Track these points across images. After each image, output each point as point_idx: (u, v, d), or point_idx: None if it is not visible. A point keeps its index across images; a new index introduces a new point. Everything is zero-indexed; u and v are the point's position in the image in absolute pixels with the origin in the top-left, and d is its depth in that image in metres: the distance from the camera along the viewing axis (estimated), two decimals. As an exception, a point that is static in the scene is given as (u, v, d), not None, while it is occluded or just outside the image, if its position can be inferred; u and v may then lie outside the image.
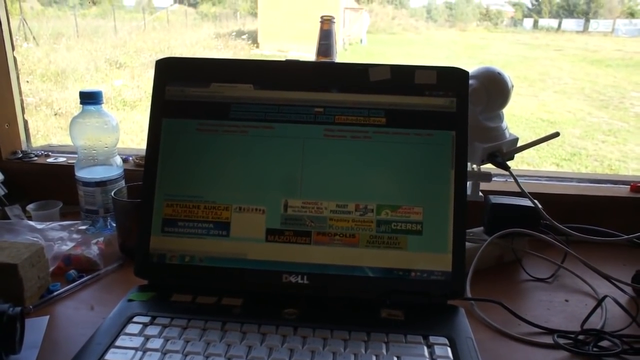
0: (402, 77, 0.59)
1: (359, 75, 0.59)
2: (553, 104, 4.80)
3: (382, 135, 0.58)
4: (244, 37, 6.91)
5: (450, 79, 0.59)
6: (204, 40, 6.50)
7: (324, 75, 0.60)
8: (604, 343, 0.54)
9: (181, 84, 0.60)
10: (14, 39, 0.91)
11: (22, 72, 0.94)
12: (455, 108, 0.58)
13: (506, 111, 0.75)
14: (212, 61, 0.62)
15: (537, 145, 0.73)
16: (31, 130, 0.99)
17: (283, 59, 0.62)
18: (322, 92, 0.60)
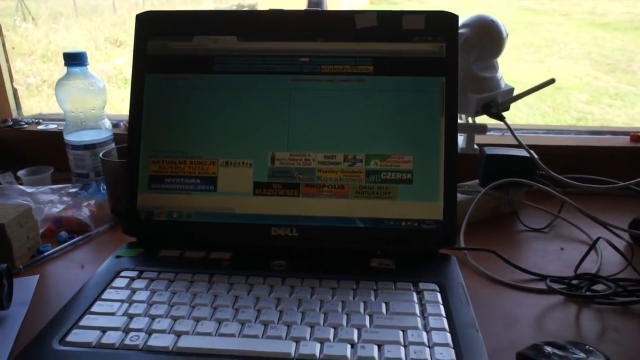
0: (389, 23, 0.57)
1: (345, 23, 0.58)
2: (559, 70, 4.71)
3: (370, 84, 0.57)
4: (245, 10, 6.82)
5: (439, 24, 0.57)
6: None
7: (309, 24, 0.58)
8: (599, 287, 0.53)
9: (163, 39, 0.59)
10: (13, 19, 0.90)
11: (22, 53, 0.93)
12: (444, 53, 0.57)
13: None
14: (194, 13, 0.61)
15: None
16: (33, 112, 0.98)
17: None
18: (308, 41, 0.58)
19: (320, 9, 0.76)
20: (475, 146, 0.74)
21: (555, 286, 0.52)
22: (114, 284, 0.50)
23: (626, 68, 4.79)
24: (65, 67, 0.74)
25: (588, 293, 0.52)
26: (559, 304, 0.52)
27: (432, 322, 0.44)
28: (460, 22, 0.59)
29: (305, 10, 0.70)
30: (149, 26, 0.59)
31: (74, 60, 0.73)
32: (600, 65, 4.84)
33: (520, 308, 0.51)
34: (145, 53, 0.59)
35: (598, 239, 0.59)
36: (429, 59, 0.57)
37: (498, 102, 0.71)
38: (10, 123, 0.91)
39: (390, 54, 0.57)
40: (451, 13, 0.57)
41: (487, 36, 0.69)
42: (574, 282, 0.54)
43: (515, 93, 0.72)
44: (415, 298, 0.48)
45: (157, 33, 0.59)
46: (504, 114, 0.71)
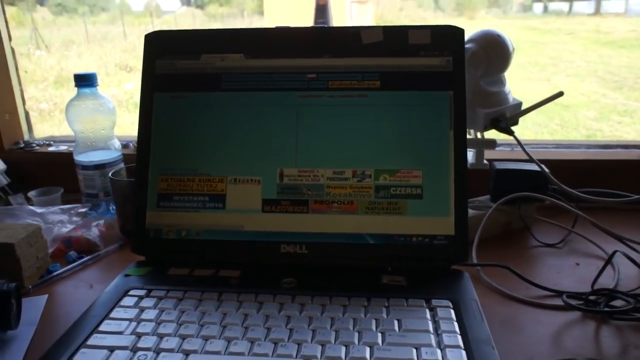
0: (396, 38, 0.57)
1: (351, 39, 0.58)
2: (566, 88, 4.70)
3: (377, 99, 0.57)
4: (252, 35, 6.91)
5: (445, 38, 0.57)
6: (212, 41, 6.51)
7: (316, 40, 0.59)
8: (617, 303, 0.52)
9: (171, 57, 0.60)
10: (28, 47, 0.92)
11: (35, 80, 0.94)
12: (451, 67, 0.57)
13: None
14: (202, 32, 0.61)
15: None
16: (45, 135, 0.99)
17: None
18: (315, 57, 0.58)
19: (326, 26, 0.77)
20: (485, 161, 0.74)
21: (572, 302, 0.51)
22: (122, 303, 0.49)
23: (634, 85, 4.78)
24: (76, 89, 0.75)
25: (606, 309, 0.51)
26: (577, 321, 0.50)
27: (446, 339, 0.43)
28: (465, 38, 0.59)
29: (311, 27, 0.71)
30: (158, 46, 0.60)
31: (84, 81, 0.74)
32: (607, 83, 4.83)
33: (537, 325, 0.50)
34: (153, 72, 0.59)
35: (615, 252, 0.58)
36: (436, 73, 0.57)
37: (506, 116, 0.71)
38: (22, 145, 0.92)
39: (397, 68, 0.57)
40: (457, 27, 0.57)
41: (494, 51, 0.69)
42: (591, 297, 0.53)
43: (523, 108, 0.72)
44: (428, 315, 0.47)
45: (165, 52, 0.60)
46: (513, 128, 0.70)
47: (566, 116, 3.73)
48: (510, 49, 0.70)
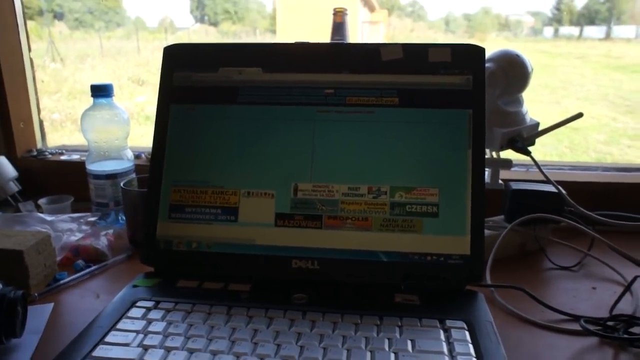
0: (415, 55, 0.57)
1: (371, 55, 0.58)
2: (576, 111, 4.69)
3: (396, 116, 0.56)
4: (264, 53, 6.97)
5: (465, 57, 0.57)
6: (224, 57, 6.57)
7: (335, 56, 0.59)
8: (636, 330, 0.50)
9: (189, 70, 0.60)
10: (43, 59, 0.93)
11: (49, 91, 0.95)
12: (471, 86, 0.56)
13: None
14: (220, 46, 0.61)
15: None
16: (55, 144, 0.99)
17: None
18: (333, 73, 0.58)
19: (345, 42, 0.77)
20: (500, 181, 0.73)
21: (590, 327, 0.50)
22: (129, 314, 0.48)
23: (645, 109, 4.76)
24: (92, 99, 0.75)
25: (625, 336, 0.49)
26: (594, 347, 0.49)
27: (462, 361, 0.42)
28: (484, 57, 0.58)
29: (330, 43, 0.71)
30: (176, 58, 0.60)
31: (101, 92, 0.74)
32: (618, 107, 4.82)
33: (553, 350, 0.48)
34: (171, 84, 0.59)
35: (636, 278, 0.56)
36: (455, 92, 0.56)
37: (523, 136, 0.70)
38: (35, 153, 0.92)
39: (415, 86, 0.57)
40: (478, 46, 0.57)
41: (513, 70, 0.69)
42: (610, 323, 0.51)
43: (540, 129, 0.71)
44: (442, 336, 0.45)
45: (183, 65, 0.60)
46: (530, 149, 0.70)
47: (576, 139, 3.71)
48: (529, 69, 0.70)
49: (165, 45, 0.60)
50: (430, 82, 0.57)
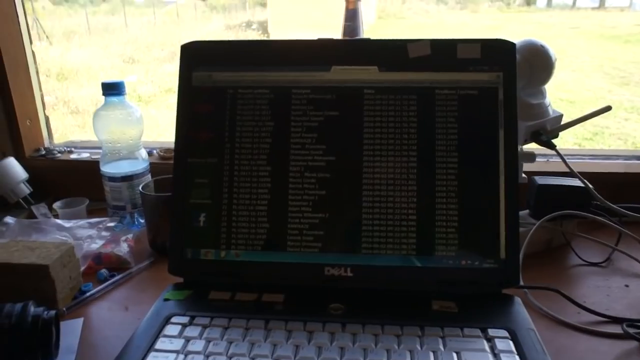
0: (444, 52, 0.55)
1: (397, 52, 0.55)
2: (571, 83, 4.67)
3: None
4: (254, 27, 6.86)
5: (495, 52, 0.55)
6: (214, 33, 6.46)
7: (359, 53, 0.56)
8: (676, 331, 0.50)
9: (209, 69, 0.57)
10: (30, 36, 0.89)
11: (39, 72, 0.91)
12: (501, 83, 0.54)
13: None
14: (241, 43, 0.59)
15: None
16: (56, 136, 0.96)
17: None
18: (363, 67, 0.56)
19: (368, 38, 0.74)
20: (523, 175, 0.72)
21: (631, 331, 0.49)
22: (165, 332, 0.47)
23: (640, 80, 4.75)
24: (103, 97, 0.72)
25: (668, 339, 0.49)
26: (636, 351, 0.48)
27: (511, 375, 0.41)
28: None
29: (355, 39, 0.69)
30: (194, 57, 0.57)
31: (112, 90, 0.71)
32: (613, 79, 4.80)
33: (596, 355, 0.48)
34: (190, 84, 0.57)
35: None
36: (485, 89, 0.54)
37: (547, 129, 0.69)
38: (43, 152, 0.89)
39: (444, 83, 0.55)
40: (508, 41, 0.55)
41: (537, 62, 0.67)
42: (650, 325, 0.51)
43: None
44: (486, 347, 0.45)
45: (202, 63, 0.57)
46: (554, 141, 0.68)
47: (572, 112, 3.71)
48: (553, 60, 0.68)
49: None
50: (459, 80, 0.55)
